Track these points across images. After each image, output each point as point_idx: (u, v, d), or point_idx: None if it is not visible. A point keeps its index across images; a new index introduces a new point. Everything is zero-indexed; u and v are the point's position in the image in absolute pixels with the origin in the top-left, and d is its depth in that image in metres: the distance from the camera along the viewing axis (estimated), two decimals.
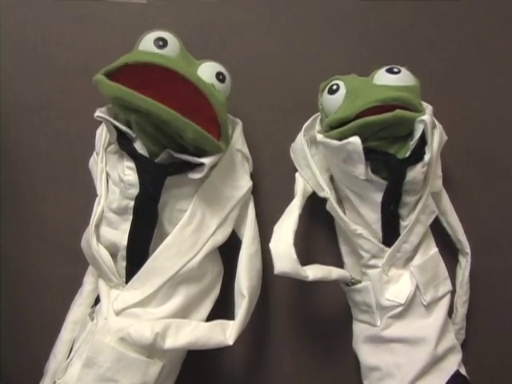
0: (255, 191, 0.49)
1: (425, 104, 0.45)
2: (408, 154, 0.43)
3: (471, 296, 0.50)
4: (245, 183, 0.47)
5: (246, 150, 0.49)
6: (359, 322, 0.49)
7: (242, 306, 0.43)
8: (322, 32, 0.56)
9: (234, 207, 0.46)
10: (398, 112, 0.41)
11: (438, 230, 0.50)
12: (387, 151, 0.44)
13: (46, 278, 0.53)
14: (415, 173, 0.43)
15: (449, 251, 0.51)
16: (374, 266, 0.46)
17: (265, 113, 0.54)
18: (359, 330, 0.49)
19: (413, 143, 0.43)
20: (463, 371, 0.46)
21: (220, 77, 0.44)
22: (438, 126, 0.46)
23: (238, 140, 0.48)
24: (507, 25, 0.56)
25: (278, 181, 0.50)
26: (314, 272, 0.43)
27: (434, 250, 0.48)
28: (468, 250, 0.50)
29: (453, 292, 0.49)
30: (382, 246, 0.46)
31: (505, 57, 0.56)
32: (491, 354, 0.53)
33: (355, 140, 0.42)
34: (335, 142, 0.43)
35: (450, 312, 0.49)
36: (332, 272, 0.45)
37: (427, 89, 0.54)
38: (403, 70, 0.45)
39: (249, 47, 0.55)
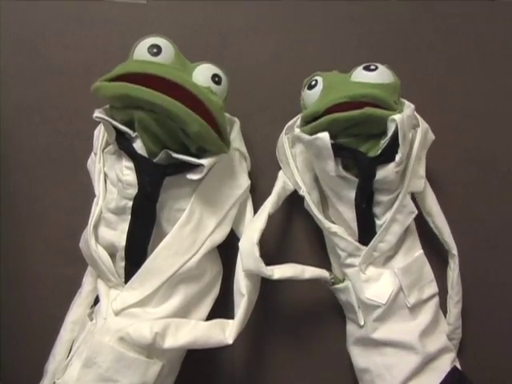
0: (253, 190, 0.49)
1: (407, 103, 0.45)
2: (378, 153, 0.43)
3: (470, 296, 0.50)
4: (243, 182, 0.47)
5: (243, 148, 0.49)
6: (350, 321, 0.49)
7: (242, 304, 0.43)
8: (321, 32, 0.56)
9: (233, 206, 0.46)
10: (367, 109, 0.41)
11: (431, 231, 0.50)
12: (358, 149, 0.43)
13: (45, 278, 0.53)
14: (387, 172, 0.43)
15: (443, 252, 0.51)
16: (351, 265, 0.46)
17: (264, 113, 0.54)
18: (350, 330, 0.49)
19: (384, 142, 0.42)
20: (459, 366, 0.46)
21: (216, 79, 0.44)
22: (423, 125, 0.46)
23: (236, 139, 0.48)
24: (507, 25, 0.56)
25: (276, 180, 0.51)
26: (281, 271, 0.44)
27: (419, 251, 0.48)
28: (455, 252, 0.49)
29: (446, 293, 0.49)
30: (357, 244, 0.46)
31: (505, 57, 0.56)
32: (490, 353, 0.53)
33: (324, 136, 0.42)
34: (307, 137, 0.44)
35: (444, 312, 0.49)
36: (305, 271, 0.45)
37: (427, 88, 0.55)
38: (381, 67, 0.44)
39: (249, 47, 0.55)
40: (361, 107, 0.41)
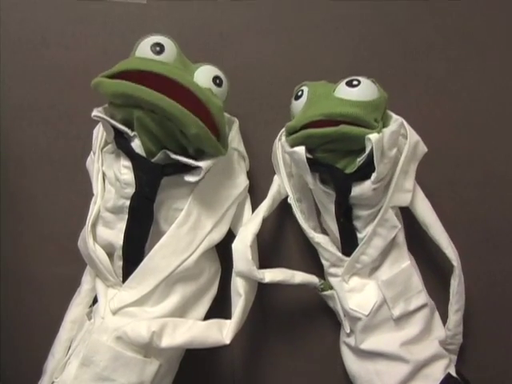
0: (252, 190, 0.50)
1: (395, 117, 0.44)
2: (354, 170, 0.42)
3: (470, 296, 0.50)
4: (241, 182, 0.47)
5: (242, 148, 0.49)
6: (341, 325, 0.50)
7: (239, 304, 0.43)
8: (321, 32, 0.55)
9: (231, 206, 0.46)
10: (342, 127, 0.40)
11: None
12: (334, 164, 0.43)
13: (44, 277, 0.53)
14: (363, 189, 0.42)
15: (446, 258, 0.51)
16: (334, 275, 0.47)
17: (264, 113, 0.54)
18: (342, 333, 0.50)
19: (360, 160, 0.42)
20: (453, 372, 0.45)
21: (217, 81, 0.44)
22: (412, 138, 0.45)
23: (235, 139, 0.48)
24: (507, 25, 0.56)
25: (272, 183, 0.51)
26: (272, 275, 0.44)
27: (406, 263, 0.47)
28: (454, 263, 0.47)
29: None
30: (339, 255, 0.46)
31: (505, 57, 0.56)
32: (490, 354, 0.53)
33: (300, 150, 0.42)
34: (288, 148, 0.44)
35: (447, 317, 0.49)
36: (295, 276, 0.46)
37: (426, 89, 0.55)
38: (364, 82, 0.43)
39: (249, 47, 0.55)
40: (337, 124, 0.40)
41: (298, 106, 0.46)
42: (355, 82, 0.43)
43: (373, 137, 0.39)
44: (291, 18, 0.56)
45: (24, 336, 0.53)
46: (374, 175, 0.41)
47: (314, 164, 0.43)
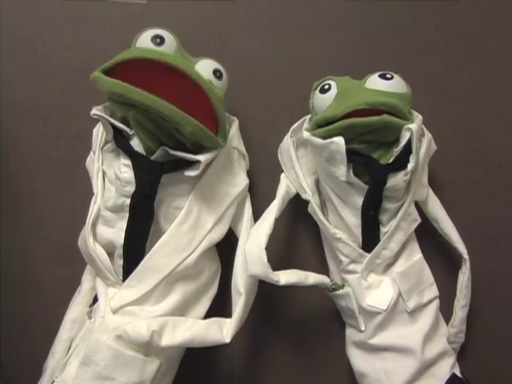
0: (252, 190, 0.50)
1: (415, 113, 0.45)
2: (391, 161, 0.43)
3: (471, 296, 0.50)
4: (241, 181, 0.47)
5: (242, 147, 0.49)
6: (348, 325, 0.49)
7: (239, 303, 0.43)
8: (321, 32, 0.55)
9: (231, 205, 0.46)
10: (385, 117, 0.40)
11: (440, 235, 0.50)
12: (370, 155, 0.43)
13: (44, 277, 0.53)
14: (397, 180, 0.43)
15: (451, 255, 0.51)
16: (352, 272, 0.46)
17: (264, 112, 0.54)
18: (349, 333, 0.49)
19: (397, 150, 0.42)
20: (458, 372, 0.46)
21: (217, 73, 0.44)
22: (427, 135, 0.46)
23: (235, 137, 0.48)
24: (507, 25, 0.56)
25: (275, 179, 0.50)
26: (287, 277, 0.44)
27: (418, 255, 0.48)
28: (465, 256, 0.48)
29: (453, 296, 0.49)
30: (361, 251, 0.46)
31: (505, 57, 0.56)
32: (491, 354, 0.53)
33: (339, 140, 0.42)
34: (319, 141, 0.43)
35: (450, 315, 0.49)
36: (309, 277, 0.45)
37: (427, 89, 0.55)
38: (396, 76, 0.44)
39: (249, 47, 0.55)
40: (378, 115, 0.41)
41: (325, 99, 0.45)
42: (389, 75, 0.44)
43: (413, 126, 0.41)
44: (291, 17, 0.56)
45: (24, 336, 0.53)
46: (410, 165, 0.42)
47: (350, 155, 0.43)
